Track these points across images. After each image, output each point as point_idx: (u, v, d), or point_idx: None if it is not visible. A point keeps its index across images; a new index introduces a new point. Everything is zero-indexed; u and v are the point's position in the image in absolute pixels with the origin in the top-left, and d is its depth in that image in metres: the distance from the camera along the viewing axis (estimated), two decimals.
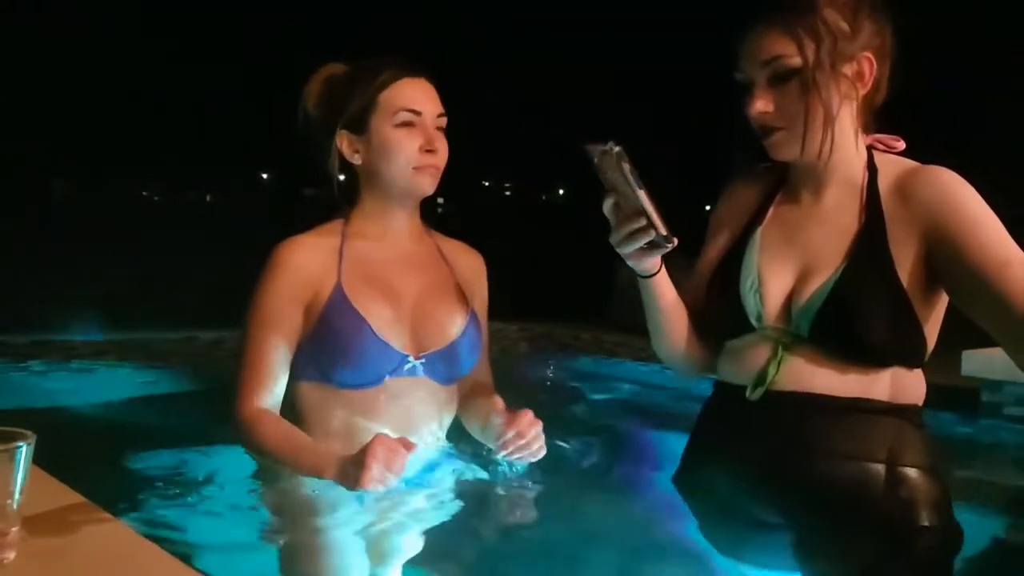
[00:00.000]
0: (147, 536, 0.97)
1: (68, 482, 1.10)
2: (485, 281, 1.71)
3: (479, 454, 1.60)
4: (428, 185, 1.53)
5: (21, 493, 0.86)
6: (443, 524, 1.42)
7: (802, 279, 1.25)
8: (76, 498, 1.07)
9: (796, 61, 1.19)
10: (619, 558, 1.51)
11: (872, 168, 1.26)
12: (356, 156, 1.53)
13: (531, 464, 1.51)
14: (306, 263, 1.50)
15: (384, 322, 1.49)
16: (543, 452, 1.47)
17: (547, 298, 6.10)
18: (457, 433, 1.65)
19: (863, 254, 1.21)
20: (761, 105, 1.22)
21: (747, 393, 1.24)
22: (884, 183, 1.24)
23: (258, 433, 1.43)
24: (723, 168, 1.47)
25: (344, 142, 1.52)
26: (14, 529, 0.86)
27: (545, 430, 1.47)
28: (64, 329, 3.46)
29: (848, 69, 1.21)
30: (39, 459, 0.90)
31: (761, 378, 1.24)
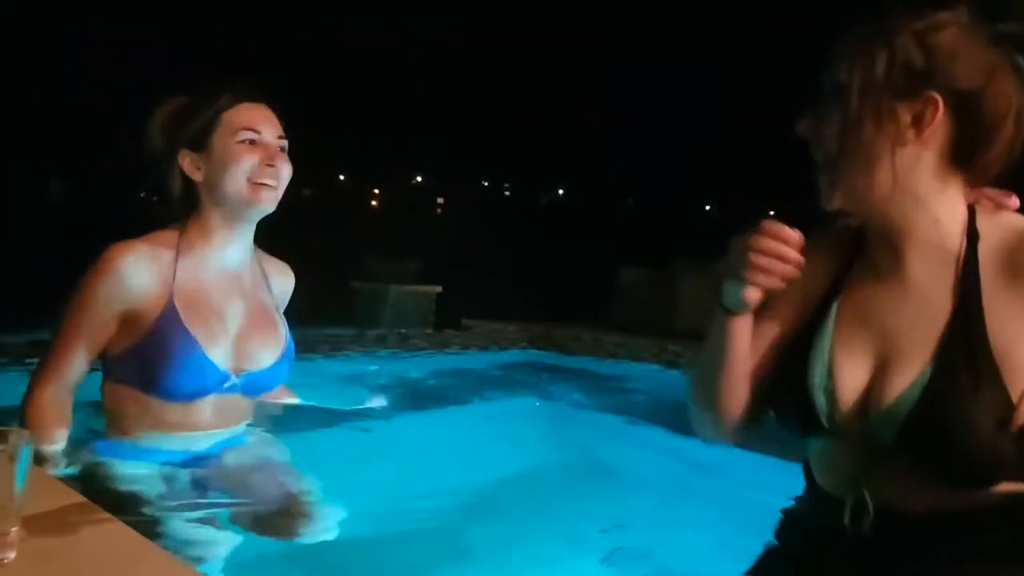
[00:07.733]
0: (147, 536, 0.97)
1: (68, 482, 1.10)
2: (288, 298, 1.82)
3: None
4: (266, 201, 1.59)
5: (21, 493, 0.85)
6: None
7: (881, 375, 1.01)
8: (76, 498, 1.06)
9: (840, 80, 1.01)
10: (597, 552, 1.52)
11: (972, 233, 1.01)
12: (197, 172, 1.60)
13: None
14: (136, 272, 1.53)
15: (212, 342, 1.55)
16: None
17: (547, 298, 6.10)
18: None
19: (956, 346, 0.97)
20: (801, 124, 1.04)
21: (846, 521, 1.00)
22: (986, 251, 1.00)
23: (30, 417, 1.52)
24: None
25: (186, 160, 1.60)
26: (14, 529, 0.86)
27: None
28: None
29: (906, 109, 0.99)
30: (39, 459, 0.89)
31: (858, 506, 1.00)
